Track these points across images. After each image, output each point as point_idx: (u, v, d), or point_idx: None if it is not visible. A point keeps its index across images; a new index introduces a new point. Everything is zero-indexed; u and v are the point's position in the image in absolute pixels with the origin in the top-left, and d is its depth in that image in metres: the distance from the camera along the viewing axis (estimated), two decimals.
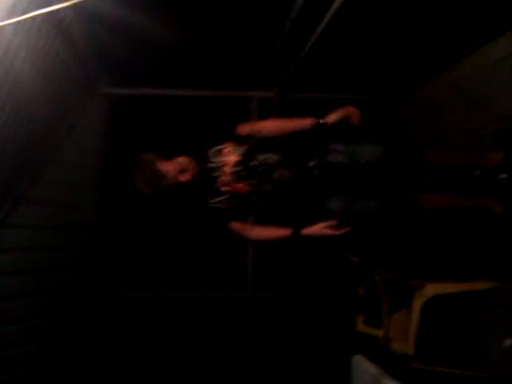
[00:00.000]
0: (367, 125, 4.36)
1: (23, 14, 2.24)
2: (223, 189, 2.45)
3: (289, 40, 3.08)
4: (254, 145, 2.63)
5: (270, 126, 2.59)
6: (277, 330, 4.20)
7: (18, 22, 2.28)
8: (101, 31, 3.09)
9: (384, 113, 4.60)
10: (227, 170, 2.45)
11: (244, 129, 2.57)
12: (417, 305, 2.82)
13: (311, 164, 2.54)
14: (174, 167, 2.35)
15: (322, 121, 2.47)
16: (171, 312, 4.31)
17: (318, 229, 2.45)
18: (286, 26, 2.89)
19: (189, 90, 4.38)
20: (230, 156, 2.48)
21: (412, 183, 3.47)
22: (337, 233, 2.44)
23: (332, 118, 2.47)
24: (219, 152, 2.49)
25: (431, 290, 2.83)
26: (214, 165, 2.46)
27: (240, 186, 2.45)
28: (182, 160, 2.39)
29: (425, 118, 4.02)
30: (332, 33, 2.88)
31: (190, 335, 4.24)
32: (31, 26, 2.48)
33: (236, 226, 2.51)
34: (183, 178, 2.37)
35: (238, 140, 2.54)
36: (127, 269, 4.42)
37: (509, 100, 2.88)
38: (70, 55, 3.16)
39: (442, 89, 3.70)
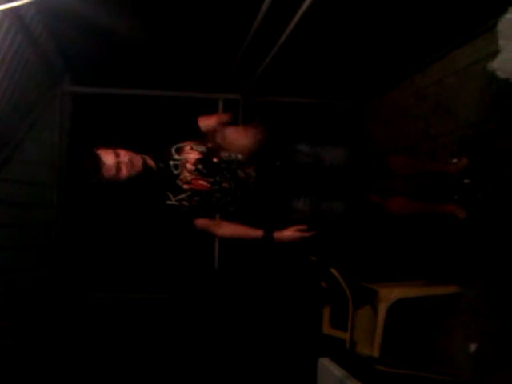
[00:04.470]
0: (332, 129, 4.44)
1: None
2: (185, 186, 2.44)
3: (255, 44, 3.07)
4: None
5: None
6: (243, 331, 4.18)
7: None
8: (64, 29, 3.02)
9: (349, 118, 4.63)
10: (188, 167, 2.43)
11: (205, 122, 2.57)
12: (382, 308, 2.85)
13: (276, 164, 2.54)
14: (112, 159, 2.30)
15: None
16: (135, 313, 4.23)
17: (289, 234, 2.45)
18: (252, 30, 2.88)
19: (154, 91, 4.33)
20: (191, 153, 2.47)
21: (374, 187, 3.51)
22: (306, 236, 2.45)
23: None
24: (181, 149, 2.49)
25: (396, 293, 2.87)
26: (175, 162, 2.45)
27: (201, 183, 2.44)
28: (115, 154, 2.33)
29: (391, 123, 4.05)
30: (298, 38, 2.87)
31: (155, 336, 4.17)
32: None
33: (201, 222, 2.50)
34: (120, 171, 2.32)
35: (200, 138, 2.53)
36: (90, 269, 4.34)
37: (474, 107, 2.93)
38: (31, 52, 3.08)
39: (409, 95, 3.74)
